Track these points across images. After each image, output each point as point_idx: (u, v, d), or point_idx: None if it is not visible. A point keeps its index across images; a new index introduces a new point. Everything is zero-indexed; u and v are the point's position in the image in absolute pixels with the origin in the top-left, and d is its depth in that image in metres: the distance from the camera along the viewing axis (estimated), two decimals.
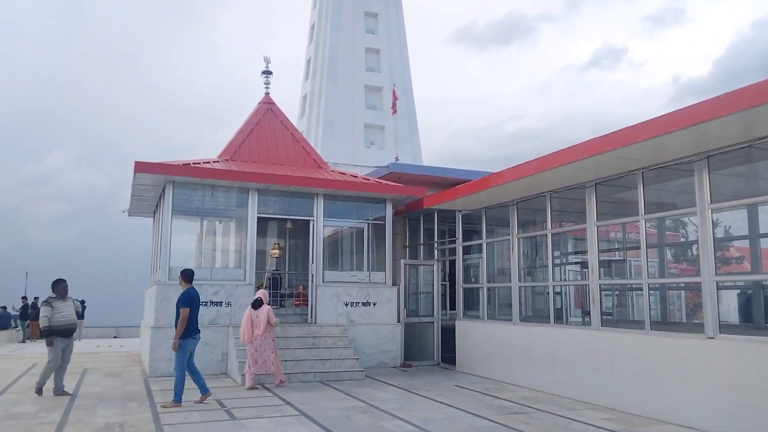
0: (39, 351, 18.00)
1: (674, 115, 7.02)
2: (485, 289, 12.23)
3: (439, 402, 8.91)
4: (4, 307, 24.84)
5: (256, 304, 10.65)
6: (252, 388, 10.08)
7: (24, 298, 26.14)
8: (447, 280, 15.29)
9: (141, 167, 11.71)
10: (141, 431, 6.89)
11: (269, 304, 10.81)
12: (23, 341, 23.66)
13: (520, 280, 11.22)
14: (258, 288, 13.35)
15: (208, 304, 12.03)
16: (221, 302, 12.16)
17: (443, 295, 14.83)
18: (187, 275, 9.21)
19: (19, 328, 24.62)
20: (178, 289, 11.77)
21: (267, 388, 10.11)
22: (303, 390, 9.93)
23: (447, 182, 14.52)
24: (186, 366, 8.74)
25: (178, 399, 8.49)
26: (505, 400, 9.14)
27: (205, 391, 8.81)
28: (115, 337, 27.11)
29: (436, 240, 14.36)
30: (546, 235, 10.63)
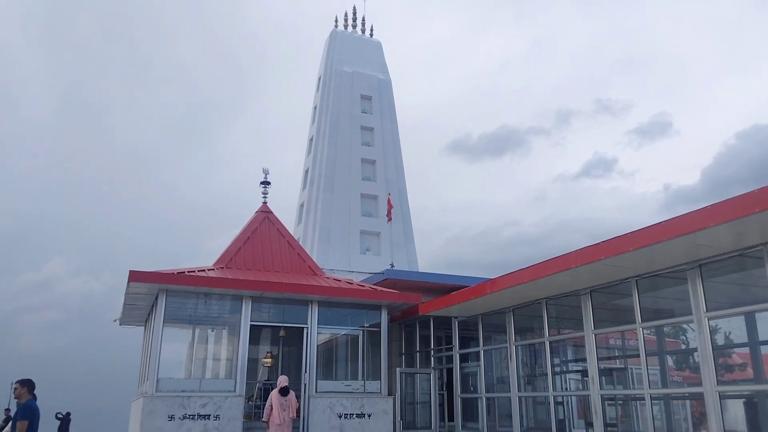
0: None
1: (664, 225, 7.16)
2: (484, 399, 11.85)
3: None
4: None
5: (284, 391, 10.98)
6: None
7: (7, 410, 25.08)
8: (444, 389, 14.82)
9: (135, 276, 11.68)
10: None
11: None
12: None
13: (519, 390, 10.91)
14: (249, 399, 12.95)
15: (196, 417, 11.55)
16: (209, 415, 11.67)
17: (441, 405, 14.30)
18: (31, 385, 8.11)
19: None
20: (166, 402, 11.44)
21: None
22: None
23: (442, 288, 14.48)
24: None
25: None
26: None
27: None
28: None
29: (432, 347, 14.10)
30: (544, 342, 10.47)
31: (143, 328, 15.92)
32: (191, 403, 11.61)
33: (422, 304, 13.05)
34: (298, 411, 12.64)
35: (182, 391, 11.84)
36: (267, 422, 11.07)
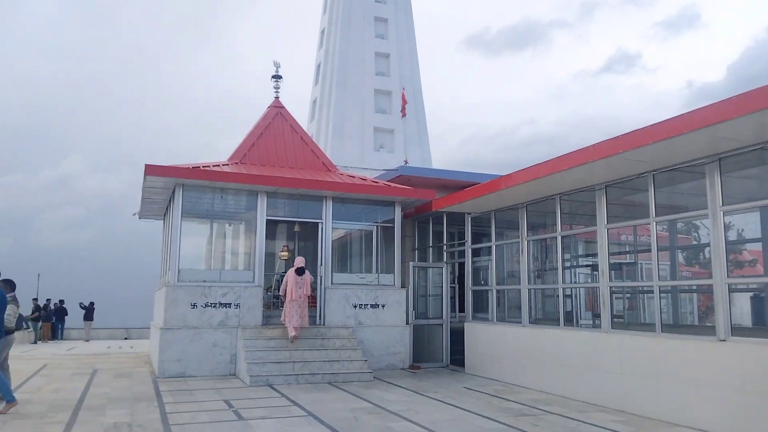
0: (50, 352, 18.16)
1: (685, 118, 6.96)
2: (494, 291, 12.19)
3: (447, 404, 8.87)
4: None
5: (300, 271, 11.99)
6: (296, 337, 11.76)
7: (35, 300, 26.36)
8: (456, 282, 15.25)
9: (151, 170, 11.78)
10: (149, 431, 6.90)
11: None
12: (35, 342, 23.84)
13: (529, 283, 11.17)
14: (267, 290, 13.43)
15: (217, 305, 12.06)
16: (230, 304, 12.17)
17: (452, 298, 14.78)
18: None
19: (31, 329, 24.79)
20: (188, 291, 11.90)
21: (275, 389, 10.11)
22: (311, 391, 9.93)
23: (456, 185, 14.47)
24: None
25: (9, 399, 8.06)
26: (514, 402, 9.08)
27: (11, 399, 8.09)
28: (125, 338, 27.21)
29: (445, 243, 14.33)
30: (556, 237, 10.58)
31: (162, 221, 16.29)
32: (212, 292, 12.09)
33: (436, 200, 13.12)
34: (314, 296, 13.20)
35: (203, 281, 12.29)
36: (283, 296, 12.23)
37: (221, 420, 7.58)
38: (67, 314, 27.61)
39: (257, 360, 11.08)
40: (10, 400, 8.03)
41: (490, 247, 12.45)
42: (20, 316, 25.80)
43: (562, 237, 10.54)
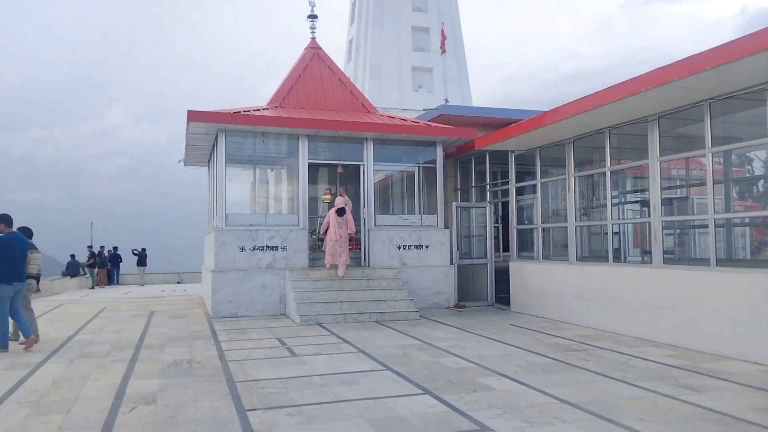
0: (107, 296, 18.99)
1: (744, 41, 6.54)
2: (540, 229, 12.05)
3: (494, 340, 8.95)
4: (73, 256, 26.16)
5: (341, 211, 12.11)
6: (331, 266, 12.34)
7: (90, 247, 27.44)
8: (500, 222, 15.14)
9: (194, 116, 11.86)
10: (207, 367, 7.20)
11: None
12: (92, 287, 24.98)
13: (576, 220, 10.97)
14: (312, 233, 13.60)
15: (264, 248, 12.31)
16: (277, 247, 12.41)
17: (496, 238, 14.71)
18: (7, 219, 8.80)
19: (88, 275, 25.95)
20: (236, 235, 12.16)
21: (324, 327, 10.37)
22: (359, 329, 10.14)
23: (498, 123, 14.14)
24: (8, 312, 8.49)
25: (4, 345, 8.36)
26: (561, 338, 9.10)
27: (27, 335, 8.58)
28: (178, 282, 28.28)
29: (488, 182, 14.15)
30: (605, 173, 10.29)
31: (207, 168, 16.53)
32: (259, 236, 12.32)
33: (478, 139, 12.87)
34: (357, 239, 13.36)
35: (250, 225, 12.52)
36: (324, 236, 12.55)
37: (275, 356, 7.83)
38: (121, 260, 28.75)
39: (306, 300, 11.35)
40: (30, 334, 8.57)
41: (534, 185, 12.23)
42: (76, 263, 27.07)
43: (612, 172, 10.24)
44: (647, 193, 9.56)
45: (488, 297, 13.79)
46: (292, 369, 7.03)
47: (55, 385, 6.31)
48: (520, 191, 13.02)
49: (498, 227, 15.00)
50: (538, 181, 12.02)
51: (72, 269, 25.52)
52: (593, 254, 11.48)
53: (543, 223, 11.99)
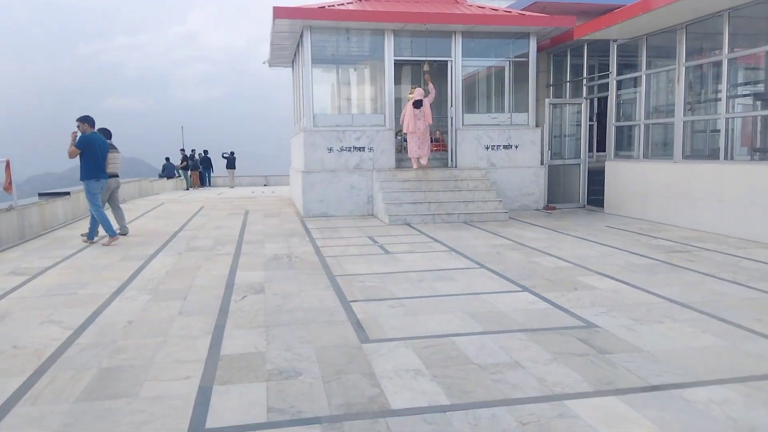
0: (203, 196, 19.95)
1: None
2: (641, 126, 11.28)
3: (590, 241, 8.69)
4: (168, 159, 27.46)
5: (417, 104, 11.87)
6: (419, 167, 12.37)
7: (182, 150, 28.66)
8: (594, 119, 14.33)
9: (279, 13, 11.62)
10: (306, 261, 7.44)
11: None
12: (187, 189, 26.31)
13: (684, 114, 10.16)
14: (396, 134, 13.43)
15: (351, 149, 12.32)
16: (363, 147, 12.38)
17: (589, 137, 13.98)
18: (90, 120, 9.09)
19: (182, 177, 27.28)
20: (324, 135, 12.19)
21: (413, 227, 10.43)
22: (448, 229, 10.13)
23: (598, 10, 13.05)
24: (102, 205, 9.21)
25: (111, 233, 9.03)
26: (663, 239, 8.70)
27: (117, 234, 9.20)
28: (264, 185, 29.28)
29: (584, 76, 13.27)
30: (721, 61, 9.32)
31: (291, 69, 16.46)
32: (346, 136, 12.31)
33: (578, 27, 11.92)
34: (443, 141, 13.11)
35: (336, 125, 12.50)
36: (403, 130, 12.46)
37: (369, 253, 7.98)
38: (212, 163, 29.94)
39: (394, 201, 11.40)
40: (113, 235, 9.10)
41: (638, 78, 11.33)
42: (171, 165, 28.40)
43: (729, 60, 9.26)
44: (761, 85, 8.63)
45: (579, 198, 13.33)
46: (387, 265, 7.14)
47: (169, 274, 6.74)
48: (619, 85, 12.15)
49: (592, 125, 14.22)
50: (643, 73, 11.12)
51: (168, 171, 26.87)
52: (697, 153, 10.70)
53: (646, 118, 11.20)
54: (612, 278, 6.26)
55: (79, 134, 8.94)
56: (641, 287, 5.84)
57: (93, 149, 8.91)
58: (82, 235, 9.43)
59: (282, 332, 4.56)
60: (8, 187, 9.52)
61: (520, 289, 5.83)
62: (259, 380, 3.63)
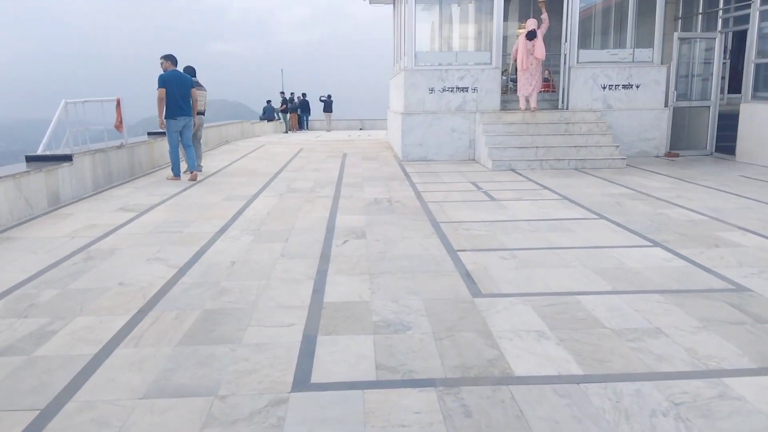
0: (302, 139, 20.08)
1: None
2: None
3: (725, 192, 7.72)
4: (269, 101, 27.86)
5: (530, 35, 11.05)
6: (527, 108, 11.52)
7: (282, 93, 28.94)
8: (727, 57, 12.74)
9: None
10: (407, 206, 7.11)
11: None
12: (286, 132, 26.65)
13: None
14: (503, 73, 12.59)
15: (454, 89, 11.68)
16: (467, 88, 11.70)
17: (722, 77, 12.47)
18: (172, 59, 9.27)
19: (281, 120, 27.64)
20: (425, 75, 11.62)
21: (518, 173, 9.80)
22: (558, 176, 9.42)
23: None
24: (178, 145, 9.36)
25: (176, 173, 9.33)
26: None
27: (192, 168, 9.45)
28: (360, 129, 29.15)
29: (721, 6, 11.71)
30: None
31: (392, 6, 15.81)
32: (449, 76, 11.66)
33: None
34: (551, 82, 12.14)
35: (439, 64, 11.87)
36: (515, 63, 11.74)
37: (473, 200, 7.52)
38: (309, 107, 30.11)
39: (498, 145, 10.75)
40: (193, 169, 9.48)
41: None
42: (271, 108, 28.85)
43: None
44: None
45: (707, 145, 12.01)
46: (494, 213, 6.66)
47: (270, 216, 6.64)
48: (763, 17, 10.58)
49: (725, 64, 12.65)
50: None
51: (268, 114, 27.30)
52: None
53: None
54: (758, 234, 5.45)
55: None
56: None
57: (170, 87, 9.07)
58: (183, 173, 9.63)
59: (386, 281, 4.27)
60: (119, 125, 9.81)
61: (651, 244, 5.19)
62: (365, 332, 3.36)
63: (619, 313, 3.58)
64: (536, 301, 3.81)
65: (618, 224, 5.97)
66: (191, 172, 9.46)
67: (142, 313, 3.72)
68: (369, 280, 4.30)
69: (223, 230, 5.94)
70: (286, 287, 4.16)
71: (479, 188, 8.41)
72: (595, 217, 6.36)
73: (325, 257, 4.92)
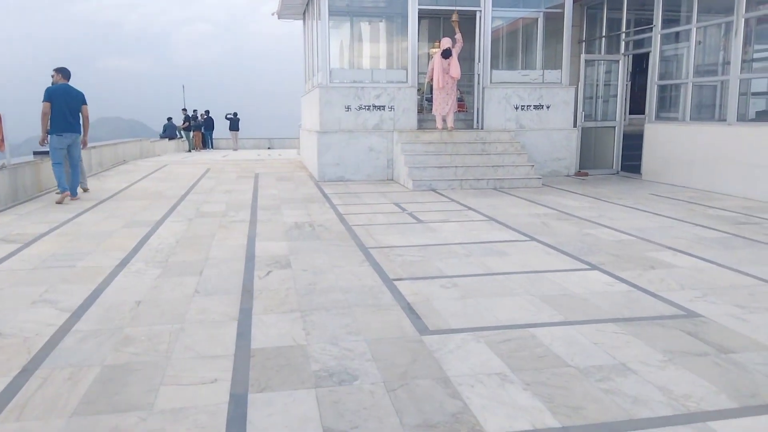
0: (207, 158, 19.08)
1: None
2: (690, 85, 10.35)
3: (643, 211, 7.88)
4: (170, 119, 26.44)
5: (446, 53, 10.96)
6: (443, 128, 11.41)
7: (184, 110, 27.60)
8: (629, 79, 13.36)
9: None
10: (332, 230, 6.66)
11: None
12: (189, 150, 25.36)
13: (741, 71, 9.24)
14: (418, 91, 12.48)
15: (371, 108, 11.40)
16: (383, 106, 11.46)
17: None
18: (64, 72, 8.86)
19: (184, 138, 26.31)
20: (341, 92, 11.27)
21: (440, 193, 9.62)
22: (479, 196, 9.32)
23: None
24: (63, 162, 8.76)
25: (61, 188, 8.68)
26: (721, 209, 7.90)
27: (68, 190, 8.78)
28: (269, 148, 28.33)
29: (623, 30, 12.25)
30: None
31: (302, 21, 15.40)
32: (365, 93, 11.38)
33: None
34: (463, 102, 12.19)
35: (354, 81, 11.56)
36: (430, 81, 11.60)
37: (400, 222, 7.19)
38: (213, 124, 28.91)
39: (418, 164, 10.55)
40: (74, 194, 8.93)
41: (687, 31, 10.36)
42: (173, 125, 27.47)
43: None
44: None
45: (613, 164, 12.47)
46: (424, 236, 6.36)
47: (179, 244, 5.96)
48: (666, 39, 11.15)
49: (628, 85, 13.26)
50: (694, 26, 10.14)
51: (169, 132, 25.89)
52: (759, 116, 9.82)
53: (695, 76, 10.26)
54: (687, 254, 5.47)
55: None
56: (726, 265, 5.06)
57: (57, 101, 8.47)
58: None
59: (322, 319, 3.79)
60: (0, 144, 8.68)
61: (588, 267, 5.05)
62: (305, 386, 2.87)
63: (579, 348, 3.31)
64: (489, 336, 3.48)
65: (550, 246, 5.83)
66: (62, 192, 8.68)
67: (27, 372, 3.02)
68: (301, 318, 3.81)
69: (124, 263, 5.21)
70: (204, 332, 3.58)
71: (403, 209, 8.11)
72: (526, 238, 6.21)
73: (247, 292, 4.36)
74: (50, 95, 8.49)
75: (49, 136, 8.59)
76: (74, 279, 4.71)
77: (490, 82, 11.89)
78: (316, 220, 7.25)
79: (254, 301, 4.17)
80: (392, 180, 11.35)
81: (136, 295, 4.28)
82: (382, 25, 13.61)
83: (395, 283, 4.59)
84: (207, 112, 29.05)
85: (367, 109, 11.38)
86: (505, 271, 4.91)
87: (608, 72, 12.83)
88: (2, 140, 8.70)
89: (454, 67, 11.07)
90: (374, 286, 4.52)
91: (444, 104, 11.29)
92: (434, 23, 15.08)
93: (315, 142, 11.55)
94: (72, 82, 9.10)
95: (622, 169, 12.36)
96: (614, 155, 12.44)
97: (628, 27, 12.23)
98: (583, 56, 12.29)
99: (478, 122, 12.03)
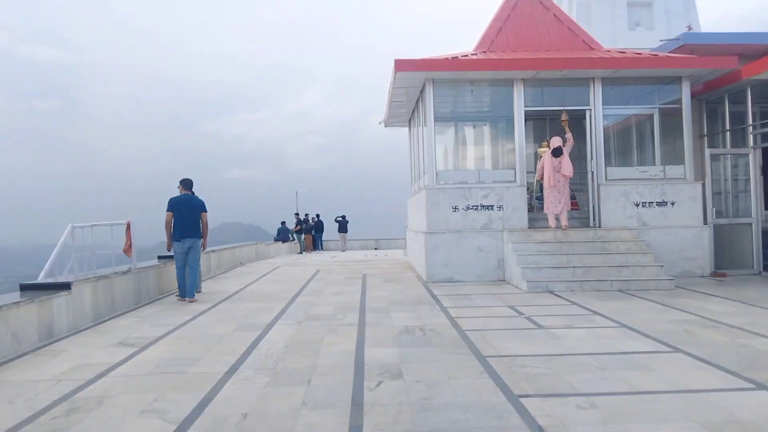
0: (317, 259, 19.45)
1: None
2: None
3: None
4: (284, 222, 27.65)
5: (557, 152, 10.78)
6: (557, 227, 10.94)
7: (297, 214, 28.83)
8: (763, 173, 12.28)
9: (402, 65, 10.97)
10: (444, 336, 6.23)
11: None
12: (301, 252, 26.15)
13: None
14: (527, 190, 12.14)
15: (479, 208, 11.16)
16: (492, 206, 11.18)
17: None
18: (186, 183, 9.51)
19: (297, 240, 27.26)
20: (448, 193, 11.17)
21: (558, 295, 8.95)
22: (604, 299, 8.55)
23: (755, 52, 11.39)
24: (184, 267, 9.23)
25: (181, 294, 9.27)
26: None
27: (189, 295, 9.21)
28: (375, 249, 28.65)
29: (750, 123, 11.42)
30: None
31: (407, 128, 15.81)
32: (473, 194, 11.19)
33: (746, 67, 10.30)
34: (575, 201, 11.65)
35: (461, 183, 11.45)
36: (541, 192, 11.54)
37: (518, 327, 6.64)
38: (323, 227, 29.88)
39: (531, 265, 10.00)
40: (189, 296, 9.29)
41: None
42: (286, 229, 28.56)
43: None
44: None
45: (753, 264, 11.20)
46: (548, 344, 5.76)
47: (288, 350, 5.77)
48: None
49: (761, 179, 12.16)
50: None
51: (283, 235, 26.98)
52: None
53: None
54: None
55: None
56: None
57: (177, 210, 9.21)
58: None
59: None
60: (128, 249, 9.22)
61: (754, 386, 4.25)
62: None
63: None
64: None
65: (701, 359, 5.04)
66: (182, 297, 9.30)
67: None
68: None
69: (233, 369, 5.06)
70: None
71: (520, 313, 7.54)
72: (670, 349, 5.44)
73: (357, 406, 4.01)
74: (172, 205, 9.26)
75: (172, 242, 9.24)
76: (184, 386, 4.59)
77: (606, 179, 11.33)
78: (426, 324, 6.87)
79: (364, 417, 3.80)
80: (503, 281, 10.80)
81: (244, 407, 4.05)
82: (486, 129, 13.64)
83: (521, 400, 4.06)
84: (318, 215, 30.18)
85: (475, 209, 11.14)
86: (652, 390, 4.23)
87: (735, 167, 11.91)
88: (130, 246, 9.24)
89: (566, 165, 10.73)
90: (498, 403, 4.01)
91: (556, 202, 10.85)
92: (539, 124, 14.93)
93: (423, 242, 11.37)
94: (199, 192, 9.77)
95: (764, 269, 11.05)
96: (753, 254, 11.20)
97: (754, 120, 11.40)
98: (708, 150, 11.50)
99: (594, 220, 11.38)
